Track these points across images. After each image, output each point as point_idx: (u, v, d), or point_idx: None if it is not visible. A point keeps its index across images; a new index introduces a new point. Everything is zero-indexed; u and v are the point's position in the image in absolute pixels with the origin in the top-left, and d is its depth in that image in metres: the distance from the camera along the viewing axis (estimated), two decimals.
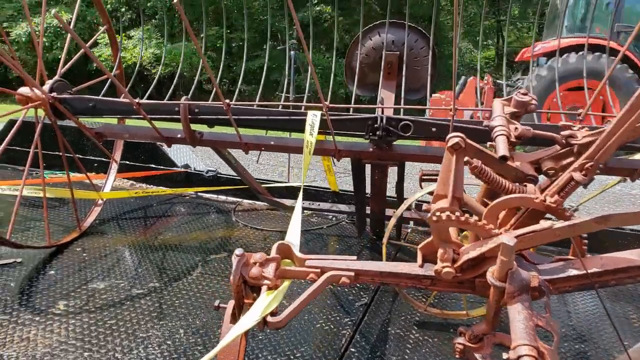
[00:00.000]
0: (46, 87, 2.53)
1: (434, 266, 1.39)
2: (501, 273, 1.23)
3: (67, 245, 2.77)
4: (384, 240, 2.12)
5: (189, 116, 2.43)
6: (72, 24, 2.41)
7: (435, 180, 2.82)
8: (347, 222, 3.33)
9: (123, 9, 21.33)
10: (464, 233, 2.14)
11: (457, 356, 1.37)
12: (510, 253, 1.18)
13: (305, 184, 3.66)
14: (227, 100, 2.25)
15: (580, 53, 7.87)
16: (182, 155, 4.05)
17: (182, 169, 3.87)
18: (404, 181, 2.66)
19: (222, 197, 3.73)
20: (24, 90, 2.51)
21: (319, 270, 1.48)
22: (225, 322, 1.45)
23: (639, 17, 8.33)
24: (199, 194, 3.74)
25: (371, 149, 2.46)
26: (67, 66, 2.69)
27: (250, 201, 3.67)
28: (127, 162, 3.82)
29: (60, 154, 2.74)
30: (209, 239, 2.96)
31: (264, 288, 1.42)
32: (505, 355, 1.13)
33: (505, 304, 1.26)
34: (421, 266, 1.44)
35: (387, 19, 2.84)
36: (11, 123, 3.65)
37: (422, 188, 2.11)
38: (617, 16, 8.18)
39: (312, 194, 3.55)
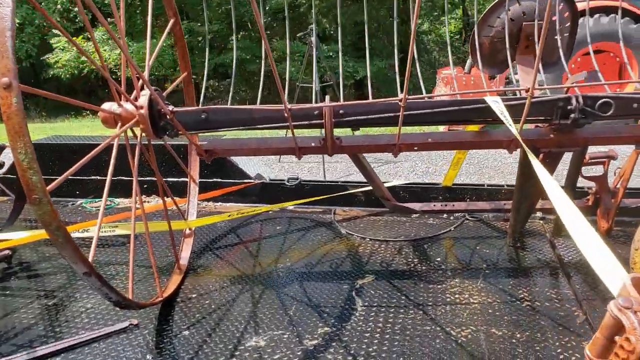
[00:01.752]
0: (143, 99, 2.00)
1: None
2: None
3: (176, 293, 2.27)
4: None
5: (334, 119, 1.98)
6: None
7: (601, 163, 2.46)
8: (470, 219, 2.93)
9: (76, 9, 20.03)
10: None
11: None
12: None
13: (407, 182, 3.24)
14: (401, 95, 1.81)
15: (597, 16, 7.68)
16: (249, 165, 3.54)
17: (258, 180, 3.36)
18: (581, 169, 2.28)
19: (309, 207, 3.26)
20: (116, 106, 1.97)
21: None
22: None
23: None
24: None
25: (552, 135, 2.06)
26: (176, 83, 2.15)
27: (345, 208, 3.21)
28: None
29: (154, 178, 2.21)
30: (334, 258, 2.51)
31: None
32: None
33: None
34: None
35: None
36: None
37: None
38: None
39: (418, 192, 3.13)
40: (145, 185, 3.47)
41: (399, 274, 2.33)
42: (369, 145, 2.13)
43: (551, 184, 1.54)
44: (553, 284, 2.18)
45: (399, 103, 1.81)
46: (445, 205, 2.71)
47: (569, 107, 1.92)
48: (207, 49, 2.66)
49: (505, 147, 2.12)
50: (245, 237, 2.87)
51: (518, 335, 1.81)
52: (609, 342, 1.08)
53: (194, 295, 2.24)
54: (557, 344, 1.75)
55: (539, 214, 2.89)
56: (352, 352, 1.78)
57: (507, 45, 2.43)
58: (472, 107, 1.93)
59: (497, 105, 1.92)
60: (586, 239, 1.32)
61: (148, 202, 3.40)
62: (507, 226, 2.78)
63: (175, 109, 2.01)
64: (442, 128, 5.97)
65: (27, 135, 1.32)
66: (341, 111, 1.98)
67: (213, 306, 2.13)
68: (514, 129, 1.82)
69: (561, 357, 1.69)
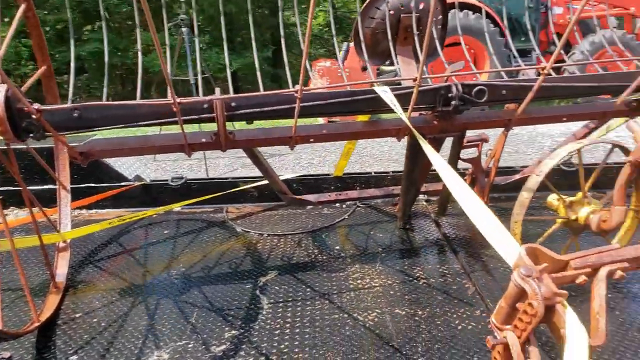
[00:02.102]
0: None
1: None
2: None
3: (55, 315, 2.00)
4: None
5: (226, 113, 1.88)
6: None
7: (475, 146, 2.68)
8: (361, 206, 3.03)
9: None
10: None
11: None
12: None
13: (296, 175, 3.24)
14: (297, 87, 1.78)
15: (453, 11, 8.41)
16: (124, 167, 3.24)
17: (138, 182, 3.10)
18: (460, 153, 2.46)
19: (199, 207, 3.10)
20: None
21: (589, 269, 1.21)
22: None
23: None
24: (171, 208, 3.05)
25: (436, 122, 2.20)
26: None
27: (238, 205, 3.11)
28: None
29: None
30: (233, 258, 2.41)
31: (559, 307, 1.10)
32: None
33: None
34: None
35: None
36: None
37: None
38: None
39: (311, 184, 3.14)
40: (1, 197, 3.01)
41: (301, 266, 2.31)
42: (265, 138, 2.07)
43: (444, 166, 1.64)
44: (443, 261, 2.33)
45: (296, 95, 1.78)
46: (339, 194, 2.76)
47: (449, 95, 2.05)
48: (71, 40, 2.36)
49: (395, 135, 2.21)
50: (129, 246, 2.63)
51: (420, 313, 1.91)
52: (512, 309, 1.17)
53: (77, 315, 1.99)
54: (455, 316, 1.88)
55: (422, 197, 3.08)
56: (263, 351, 1.72)
57: (389, 37, 2.53)
58: (365, 98, 1.97)
59: (387, 95, 1.99)
60: (479, 215, 1.42)
61: (7, 214, 2.95)
62: (395, 210, 2.92)
63: (42, 107, 1.74)
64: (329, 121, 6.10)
65: None
66: (233, 104, 1.90)
67: (103, 324, 1.91)
68: (404, 117, 1.89)
69: (459, 327, 1.81)
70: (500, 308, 1.19)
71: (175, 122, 1.84)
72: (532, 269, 1.12)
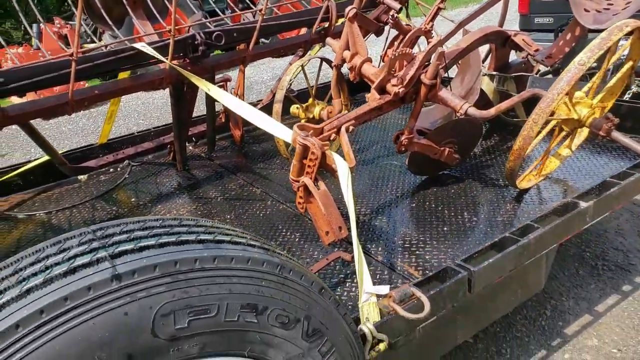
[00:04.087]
0: None
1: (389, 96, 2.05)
2: (433, 73, 2.03)
3: None
4: None
5: None
6: None
7: (222, 86, 3.19)
8: (135, 164, 3.23)
9: None
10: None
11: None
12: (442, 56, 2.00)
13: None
14: (71, 49, 1.93)
15: None
16: None
17: None
18: None
19: None
20: None
21: (335, 129, 1.90)
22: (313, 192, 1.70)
23: None
24: None
25: (189, 68, 2.62)
26: None
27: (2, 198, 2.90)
28: None
29: None
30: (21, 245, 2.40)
31: (328, 152, 1.74)
32: None
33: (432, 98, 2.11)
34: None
35: None
36: None
37: None
38: None
39: (79, 157, 3.15)
40: None
41: None
42: (40, 109, 2.13)
43: (222, 93, 2.11)
44: (228, 182, 2.84)
45: (71, 58, 1.93)
46: (117, 154, 2.91)
47: (196, 42, 2.48)
48: None
49: (158, 85, 2.53)
50: None
51: (228, 217, 2.39)
52: (300, 164, 1.77)
53: None
54: (253, 209, 2.44)
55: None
56: None
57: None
58: (130, 54, 2.23)
59: (148, 49, 2.29)
60: (259, 118, 1.96)
61: None
62: (169, 159, 3.23)
63: None
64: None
65: None
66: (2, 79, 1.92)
67: None
68: (167, 63, 2.24)
69: (261, 214, 2.38)
70: (294, 166, 1.78)
71: None
72: (306, 133, 1.74)
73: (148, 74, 2.51)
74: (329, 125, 1.89)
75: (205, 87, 2.20)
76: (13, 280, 0.72)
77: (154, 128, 3.46)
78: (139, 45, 2.29)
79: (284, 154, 2.65)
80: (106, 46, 2.22)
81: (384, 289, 1.38)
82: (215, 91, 2.16)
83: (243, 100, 3.17)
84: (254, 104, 3.68)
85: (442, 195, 2.35)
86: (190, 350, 0.76)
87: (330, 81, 2.64)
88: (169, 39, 2.31)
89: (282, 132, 1.89)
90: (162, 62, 2.34)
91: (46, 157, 3.05)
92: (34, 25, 8.07)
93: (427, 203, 2.30)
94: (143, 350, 0.72)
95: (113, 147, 3.28)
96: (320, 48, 3.51)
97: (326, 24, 3.00)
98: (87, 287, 0.69)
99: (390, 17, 2.18)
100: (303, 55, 3.18)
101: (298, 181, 1.77)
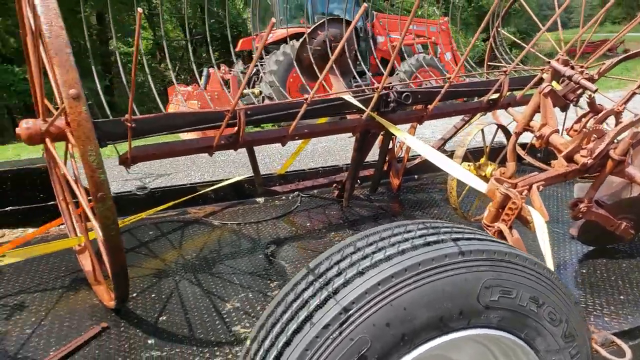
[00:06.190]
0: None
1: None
2: (624, 150, 2.19)
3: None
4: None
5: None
6: None
7: None
8: (304, 196, 3.67)
9: None
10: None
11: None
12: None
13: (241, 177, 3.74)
14: (306, 95, 2.40)
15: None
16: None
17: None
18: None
19: (164, 213, 3.38)
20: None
21: (527, 185, 2.12)
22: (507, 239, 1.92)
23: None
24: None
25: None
26: None
27: (197, 208, 3.47)
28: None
29: None
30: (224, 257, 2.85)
31: (524, 205, 1.96)
32: None
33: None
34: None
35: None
36: None
37: None
38: (315, 8, 10.18)
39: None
40: None
41: (288, 243, 2.88)
42: (265, 138, 2.62)
43: (416, 141, 2.43)
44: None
45: (305, 102, 2.40)
46: (298, 184, 3.38)
47: (389, 99, 2.88)
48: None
49: (351, 131, 2.95)
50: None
51: None
52: (497, 212, 2.00)
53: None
54: None
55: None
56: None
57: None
58: (338, 103, 2.67)
59: (353, 100, 2.73)
60: (452, 167, 2.24)
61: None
62: (334, 195, 3.62)
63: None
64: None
65: (95, 139, 1.39)
66: (249, 112, 2.43)
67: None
68: (367, 113, 2.64)
69: None
70: (490, 213, 2.02)
71: (206, 129, 2.30)
72: (507, 185, 1.98)
73: (346, 121, 2.94)
74: (522, 182, 2.12)
75: (402, 136, 2.55)
76: (393, 250, 1.06)
77: (321, 167, 3.92)
78: (346, 97, 2.74)
79: (454, 204, 2.90)
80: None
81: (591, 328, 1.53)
82: (411, 140, 2.50)
83: (407, 156, 3.53)
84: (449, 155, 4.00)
85: (613, 267, 2.42)
86: (492, 320, 1.02)
87: (501, 145, 2.88)
88: (369, 94, 2.74)
89: (475, 183, 2.14)
90: (361, 112, 2.76)
91: (235, 179, 3.61)
92: (204, 69, 9.40)
93: (599, 272, 2.38)
94: (469, 309, 0.99)
95: (287, 178, 3.77)
96: (481, 116, 3.79)
97: (496, 95, 3.28)
98: (444, 255, 1.00)
99: (587, 97, 2.39)
100: (469, 120, 3.46)
101: (493, 227, 2.00)
